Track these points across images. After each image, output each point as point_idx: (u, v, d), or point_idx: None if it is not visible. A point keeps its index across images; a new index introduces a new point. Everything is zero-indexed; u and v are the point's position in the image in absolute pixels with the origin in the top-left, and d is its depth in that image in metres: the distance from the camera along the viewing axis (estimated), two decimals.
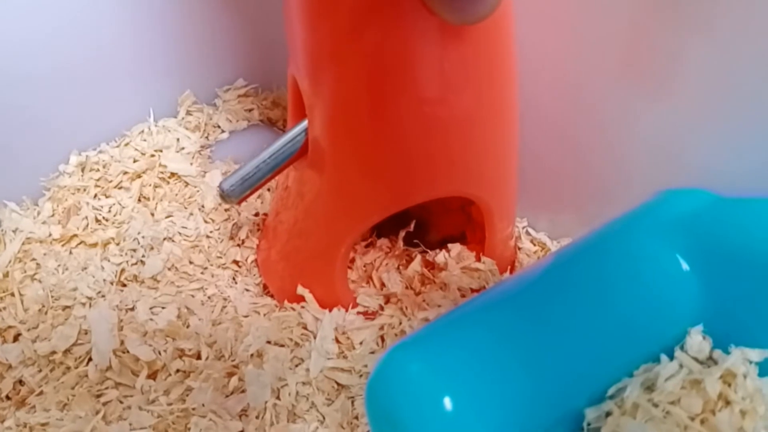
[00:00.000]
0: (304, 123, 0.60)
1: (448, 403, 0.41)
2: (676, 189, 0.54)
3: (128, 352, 0.65)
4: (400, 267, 0.75)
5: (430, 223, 0.79)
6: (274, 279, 0.74)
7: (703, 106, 0.56)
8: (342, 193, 0.61)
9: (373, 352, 0.66)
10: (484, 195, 0.64)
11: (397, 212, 0.63)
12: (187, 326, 0.68)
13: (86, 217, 0.77)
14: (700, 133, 0.57)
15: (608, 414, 0.46)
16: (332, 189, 0.62)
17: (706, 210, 0.51)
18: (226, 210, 0.80)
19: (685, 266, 0.50)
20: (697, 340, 0.49)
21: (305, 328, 0.68)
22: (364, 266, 0.75)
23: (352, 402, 0.63)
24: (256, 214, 0.80)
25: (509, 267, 0.76)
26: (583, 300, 0.49)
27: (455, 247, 0.74)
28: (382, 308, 0.72)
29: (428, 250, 0.76)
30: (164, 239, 0.76)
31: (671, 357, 0.49)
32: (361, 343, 0.66)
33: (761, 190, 0.52)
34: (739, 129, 0.54)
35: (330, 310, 0.69)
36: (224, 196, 0.61)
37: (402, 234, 0.78)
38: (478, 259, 0.72)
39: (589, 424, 0.47)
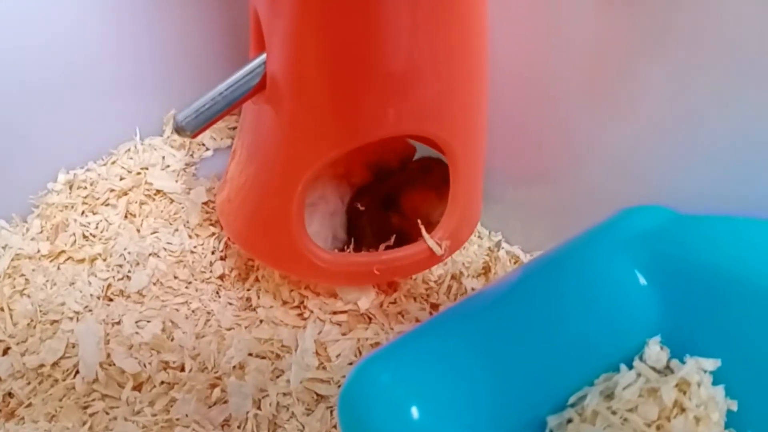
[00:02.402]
0: (263, 56, 0.59)
1: (415, 412, 0.43)
2: (636, 206, 0.57)
3: (114, 364, 0.67)
4: None
5: (411, 236, 0.81)
6: (232, 223, 0.73)
7: (662, 128, 0.59)
8: (299, 127, 0.60)
9: (351, 364, 0.68)
10: (448, 137, 0.63)
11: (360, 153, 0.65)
12: (172, 339, 0.70)
13: (74, 234, 0.79)
14: (659, 153, 0.60)
15: (569, 421, 0.49)
16: (289, 124, 0.60)
17: (663, 227, 0.54)
18: (210, 225, 0.82)
19: (642, 281, 0.52)
20: (655, 351, 0.52)
21: (283, 345, 0.71)
22: None
23: (331, 412, 0.65)
24: None
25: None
26: (546, 312, 0.51)
27: None
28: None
29: None
30: (150, 255, 0.78)
31: (631, 367, 0.51)
32: (338, 356, 0.69)
33: (717, 207, 0.55)
34: (696, 150, 0.57)
35: (288, 264, 0.70)
36: (178, 129, 0.58)
37: (382, 248, 0.80)
38: None
39: (551, 431, 0.49)
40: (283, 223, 0.65)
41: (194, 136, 0.59)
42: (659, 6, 0.54)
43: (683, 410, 0.48)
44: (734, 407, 0.48)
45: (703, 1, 0.51)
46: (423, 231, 0.69)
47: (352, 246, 0.82)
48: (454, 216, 0.69)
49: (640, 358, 0.52)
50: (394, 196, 0.81)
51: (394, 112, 0.58)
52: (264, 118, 0.63)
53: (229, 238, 0.80)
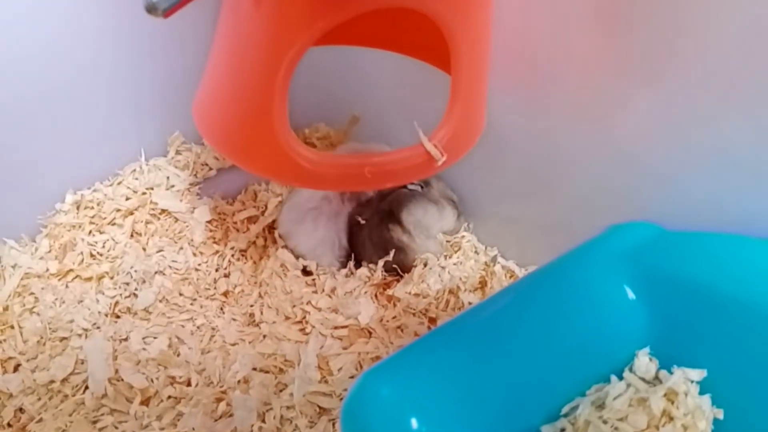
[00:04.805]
0: None
1: (414, 423, 0.45)
2: (625, 223, 0.59)
3: (122, 380, 0.69)
4: (378, 294, 0.81)
5: (410, 251, 0.84)
6: (208, 122, 0.66)
7: (650, 148, 0.61)
8: (281, 3, 0.54)
9: (352, 377, 0.70)
10: (448, 15, 0.55)
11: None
12: (178, 355, 0.72)
13: (81, 253, 0.81)
14: (647, 171, 0.62)
15: (563, 430, 0.51)
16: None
17: (651, 242, 0.56)
18: (214, 243, 0.84)
19: (631, 295, 0.55)
20: (644, 362, 0.54)
21: (286, 359, 0.73)
22: (345, 294, 0.80)
23: (333, 424, 0.67)
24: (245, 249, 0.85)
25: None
26: (539, 326, 0.53)
27: None
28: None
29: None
30: (156, 273, 0.80)
31: (621, 377, 0.53)
32: (339, 370, 0.71)
33: (703, 224, 0.57)
34: (682, 169, 0.59)
35: (270, 166, 0.62)
36: (149, 7, 0.52)
37: (381, 263, 0.82)
38: None
39: None
40: (264, 115, 0.58)
41: (166, 15, 0.54)
42: (648, 33, 0.56)
43: (671, 419, 0.50)
44: (720, 416, 0.50)
45: (689, 30, 0.53)
46: (420, 134, 0.63)
47: (353, 259, 0.85)
48: (455, 114, 0.63)
49: (630, 369, 0.54)
50: (394, 210, 0.83)
51: None
52: None
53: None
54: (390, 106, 0.86)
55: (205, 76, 0.66)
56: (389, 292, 0.80)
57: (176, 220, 0.87)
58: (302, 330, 0.76)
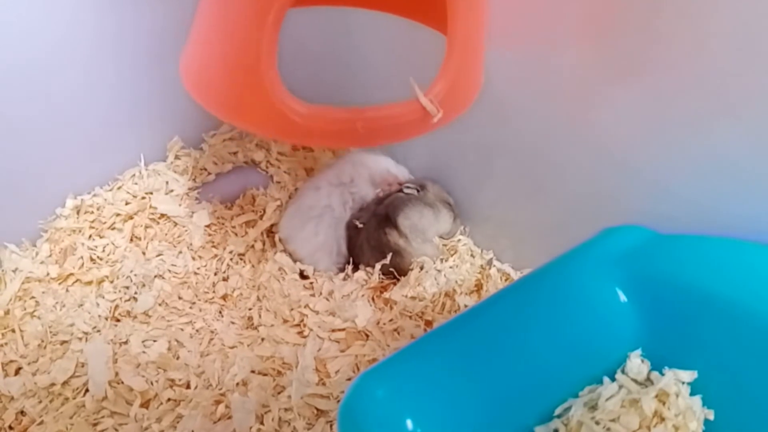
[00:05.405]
0: None
1: (410, 425, 0.46)
2: (617, 226, 0.60)
3: (122, 382, 0.70)
4: (375, 297, 0.81)
5: (407, 255, 0.84)
6: (195, 77, 0.63)
7: (642, 153, 0.62)
8: None
9: (349, 379, 0.71)
10: None
11: None
12: (177, 358, 0.73)
13: (82, 257, 0.82)
14: (639, 175, 0.63)
15: (556, 431, 0.52)
16: None
17: (642, 246, 0.57)
18: (213, 247, 0.85)
19: (623, 297, 0.55)
20: (636, 363, 0.55)
21: (284, 362, 0.74)
22: (342, 297, 0.80)
23: (331, 426, 0.67)
24: (243, 252, 0.86)
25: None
26: (533, 328, 0.54)
27: None
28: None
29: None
30: (155, 276, 0.81)
31: (614, 379, 0.54)
32: (337, 372, 0.72)
33: (693, 227, 0.58)
34: (673, 173, 0.60)
35: (259, 119, 0.59)
36: None
37: (378, 267, 0.83)
38: None
39: None
40: (252, 65, 0.55)
41: None
42: (638, 39, 0.57)
43: (663, 419, 0.51)
44: (711, 416, 0.51)
45: (678, 36, 0.54)
46: (416, 88, 0.59)
47: (351, 263, 0.85)
48: (451, 69, 0.60)
49: (622, 371, 0.55)
50: (391, 214, 0.84)
51: None
52: None
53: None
54: None
55: (193, 30, 0.63)
56: (386, 295, 0.81)
57: (175, 224, 0.87)
58: (300, 333, 0.77)
